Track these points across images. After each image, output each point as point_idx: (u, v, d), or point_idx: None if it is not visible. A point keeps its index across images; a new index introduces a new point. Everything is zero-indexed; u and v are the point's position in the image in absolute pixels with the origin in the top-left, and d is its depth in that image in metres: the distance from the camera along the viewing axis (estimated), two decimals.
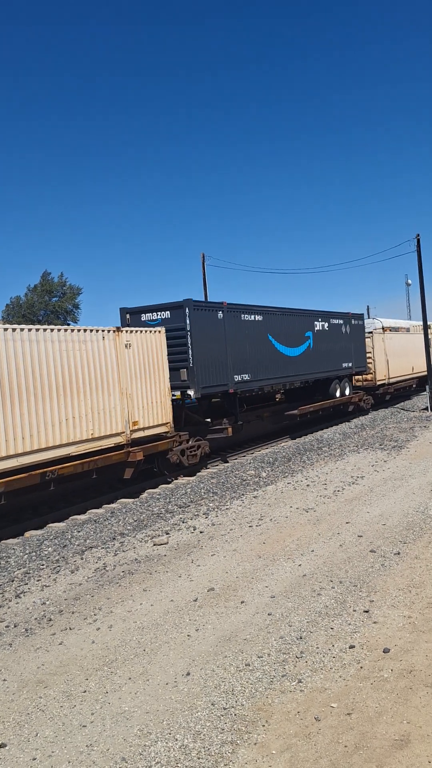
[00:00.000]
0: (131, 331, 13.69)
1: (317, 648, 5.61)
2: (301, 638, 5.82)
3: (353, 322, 25.87)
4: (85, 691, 5.25)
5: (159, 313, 15.84)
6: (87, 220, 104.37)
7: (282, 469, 15.10)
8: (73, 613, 7.07)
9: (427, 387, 27.13)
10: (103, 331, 12.78)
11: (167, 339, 14.66)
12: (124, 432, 13.05)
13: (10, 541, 10.61)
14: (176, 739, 4.42)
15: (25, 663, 5.92)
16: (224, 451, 18.17)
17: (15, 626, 6.85)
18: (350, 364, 24.84)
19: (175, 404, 15.18)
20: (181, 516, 11.24)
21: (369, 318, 37.82)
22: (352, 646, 5.58)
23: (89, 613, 6.99)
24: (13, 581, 8.41)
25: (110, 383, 12.76)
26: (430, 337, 28.44)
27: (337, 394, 23.93)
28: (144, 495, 13.56)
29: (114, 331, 13.11)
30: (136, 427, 13.41)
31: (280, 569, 7.82)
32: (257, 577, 7.62)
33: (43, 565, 9.03)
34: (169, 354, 14.68)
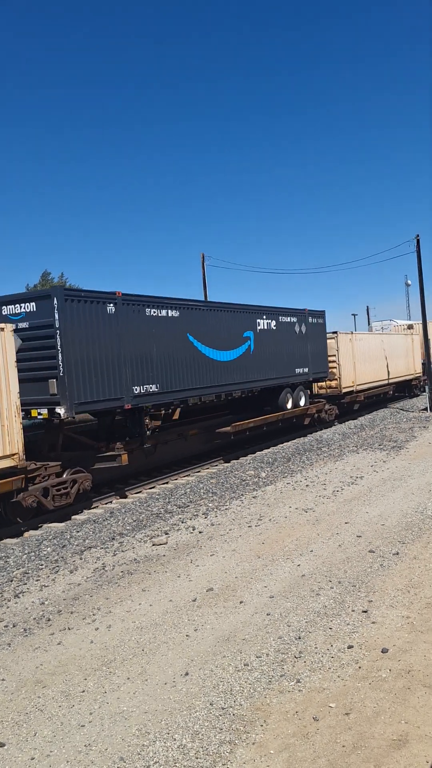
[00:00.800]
0: None
1: (316, 648, 5.62)
2: (299, 638, 5.83)
3: (311, 320, 22.11)
4: (83, 691, 5.26)
5: (23, 305, 12.34)
6: (87, 219, 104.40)
7: (281, 470, 15.10)
8: (71, 613, 7.07)
9: (427, 388, 27.14)
10: None
11: (31, 339, 11.90)
12: None
13: (9, 541, 10.61)
14: (174, 739, 4.43)
15: (23, 663, 5.92)
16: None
17: (14, 626, 6.85)
18: (306, 370, 21.41)
19: (49, 425, 12.51)
20: (180, 516, 11.24)
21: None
22: (350, 646, 5.59)
23: (88, 613, 6.99)
24: (12, 581, 8.41)
25: None
26: (430, 337, 28.40)
27: (289, 405, 20.40)
28: (143, 495, 13.55)
29: None
30: None
31: (279, 569, 7.82)
32: (256, 577, 7.62)
33: (42, 565, 9.03)
34: (32, 359, 11.77)
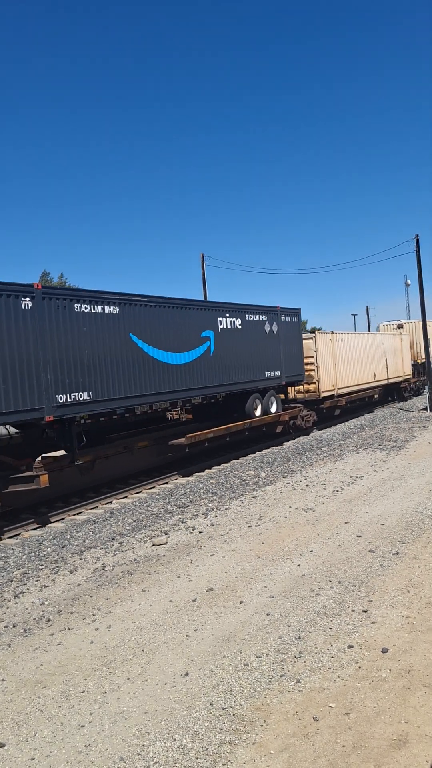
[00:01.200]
0: None
1: (316, 648, 5.62)
2: (299, 638, 5.82)
3: (284, 318, 20.32)
4: (83, 692, 5.26)
5: None
6: (86, 220, 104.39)
7: (281, 470, 15.10)
8: (71, 613, 7.07)
9: (427, 387, 27.14)
10: None
11: None
12: None
13: (9, 541, 10.61)
14: (175, 739, 4.42)
15: (23, 663, 5.92)
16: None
17: (14, 626, 6.85)
18: (278, 373, 19.70)
19: None
20: (180, 516, 11.24)
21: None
22: (350, 646, 5.59)
23: (88, 614, 6.99)
24: (12, 581, 8.41)
25: None
26: (429, 337, 28.32)
27: (258, 411, 18.79)
28: (143, 495, 13.55)
29: None
30: None
31: (279, 569, 7.82)
32: (256, 577, 7.62)
33: (42, 565, 9.03)
34: None
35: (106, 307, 12.94)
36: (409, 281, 63.36)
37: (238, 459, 17.53)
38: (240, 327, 17.99)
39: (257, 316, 19.01)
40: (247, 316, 18.49)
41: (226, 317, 17.45)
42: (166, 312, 14.97)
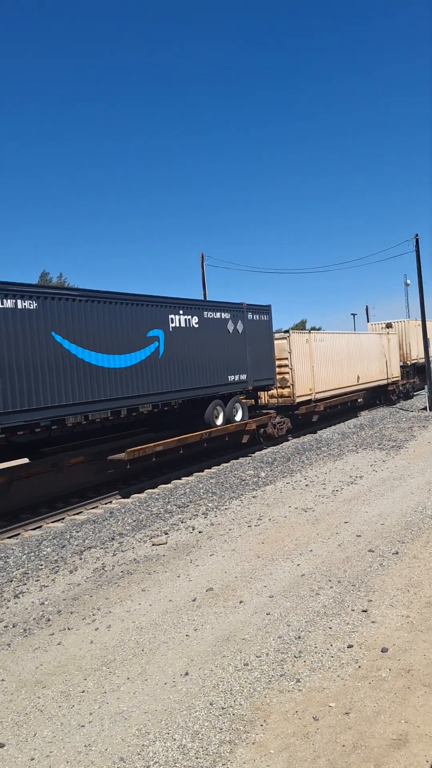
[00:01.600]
0: None
1: (315, 647, 5.62)
2: (299, 638, 5.82)
3: (251, 317, 18.52)
4: (83, 691, 5.25)
5: None
6: (86, 220, 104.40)
7: (281, 469, 15.10)
8: (71, 613, 7.07)
9: (426, 387, 27.15)
10: None
11: None
12: None
13: (9, 541, 10.61)
14: (174, 739, 4.42)
15: (23, 663, 5.92)
16: None
17: (13, 626, 6.85)
18: (244, 377, 17.86)
19: None
20: (180, 516, 11.24)
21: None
22: (350, 646, 5.59)
23: (88, 614, 6.99)
24: (11, 581, 8.41)
25: None
26: (429, 336, 28.24)
27: (219, 420, 16.93)
28: (143, 495, 13.54)
29: None
30: None
31: (278, 569, 7.82)
32: (256, 576, 7.62)
33: (41, 565, 9.02)
34: None
35: (19, 301, 10.97)
36: (408, 281, 63.41)
37: (237, 459, 17.42)
38: (197, 326, 16.06)
39: (218, 314, 17.06)
40: (205, 313, 16.50)
41: (180, 314, 15.41)
42: (100, 308, 12.86)
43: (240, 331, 17.98)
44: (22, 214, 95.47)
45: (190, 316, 15.84)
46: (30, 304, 11.21)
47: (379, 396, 30.11)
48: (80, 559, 9.19)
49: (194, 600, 7.05)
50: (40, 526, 11.50)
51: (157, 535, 10.00)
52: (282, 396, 20.75)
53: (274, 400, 20.81)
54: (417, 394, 33.19)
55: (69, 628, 6.63)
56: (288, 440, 20.18)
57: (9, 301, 10.81)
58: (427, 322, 28.59)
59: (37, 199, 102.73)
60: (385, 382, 29.18)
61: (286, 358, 20.61)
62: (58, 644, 6.26)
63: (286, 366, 20.61)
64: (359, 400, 28.15)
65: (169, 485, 14.45)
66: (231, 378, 17.34)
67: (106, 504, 12.96)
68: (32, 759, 4.38)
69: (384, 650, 5.44)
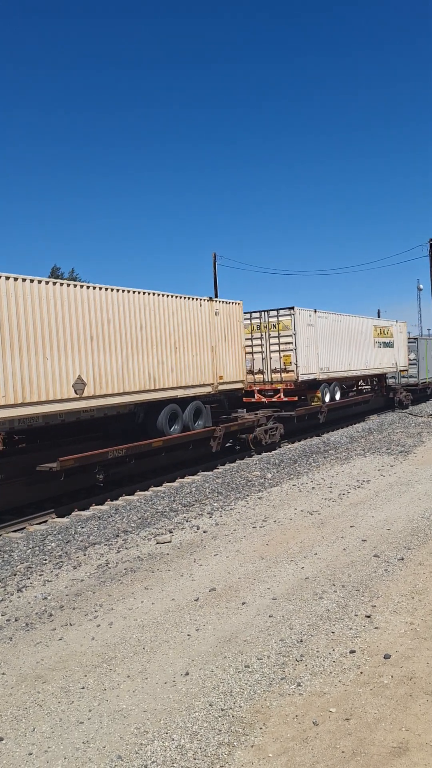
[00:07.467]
0: None
1: (317, 652, 5.58)
2: (301, 641, 5.79)
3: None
4: (83, 688, 5.25)
5: None
6: (99, 217, 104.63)
7: (287, 471, 15.05)
8: (74, 609, 7.07)
9: None
10: None
11: None
12: None
13: (14, 535, 10.63)
14: (173, 739, 4.40)
15: (24, 657, 5.92)
16: None
17: (16, 620, 6.85)
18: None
19: None
20: (185, 515, 11.22)
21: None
22: (352, 651, 5.54)
23: (90, 610, 6.98)
24: (15, 575, 8.42)
25: None
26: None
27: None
28: (148, 493, 13.53)
29: None
30: None
31: (282, 571, 7.78)
32: (259, 578, 7.59)
33: (45, 560, 9.03)
34: None
35: None
36: (421, 285, 63.25)
37: (243, 459, 17.36)
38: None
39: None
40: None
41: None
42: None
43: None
44: (33, 210, 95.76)
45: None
46: None
47: (390, 402, 29.71)
48: (84, 554, 9.19)
49: (197, 600, 7.03)
50: (46, 521, 11.53)
51: (162, 534, 9.99)
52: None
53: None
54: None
55: (71, 624, 6.63)
56: (278, 448, 18.92)
57: None
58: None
59: (48, 196, 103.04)
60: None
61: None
62: (60, 639, 6.26)
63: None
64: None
65: (174, 483, 14.43)
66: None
67: (112, 501, 12.95)
68: (30, 754, 4.37)
69: (387, 657, 5.39)
